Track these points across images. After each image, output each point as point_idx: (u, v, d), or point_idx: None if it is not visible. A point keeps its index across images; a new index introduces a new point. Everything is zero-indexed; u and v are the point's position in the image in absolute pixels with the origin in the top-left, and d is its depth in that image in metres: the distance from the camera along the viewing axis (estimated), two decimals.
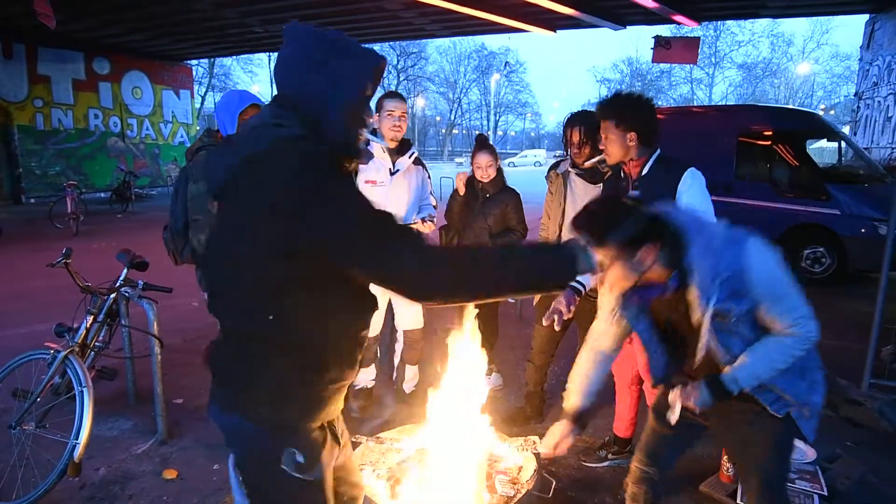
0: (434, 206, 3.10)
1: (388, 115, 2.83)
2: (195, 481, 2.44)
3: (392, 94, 2.89)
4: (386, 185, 2.85)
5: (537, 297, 2.86)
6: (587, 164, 2.67)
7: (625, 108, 2.12)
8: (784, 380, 1.47)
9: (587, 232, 1.34)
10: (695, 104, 29.81)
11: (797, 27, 45.47)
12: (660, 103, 39.16)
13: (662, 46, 10.20)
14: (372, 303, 1.22)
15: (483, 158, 3.23)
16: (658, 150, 2.23)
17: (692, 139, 6.32)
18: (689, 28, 10.44)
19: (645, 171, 2.21)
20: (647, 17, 9.65)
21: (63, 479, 2.17)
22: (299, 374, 1.11)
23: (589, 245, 1.20)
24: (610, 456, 2.67)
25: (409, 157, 2.95)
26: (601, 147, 2.21)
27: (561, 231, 2.76)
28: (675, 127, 6.93)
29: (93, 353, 2.66)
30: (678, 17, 9.45)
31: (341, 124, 1.13)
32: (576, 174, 2.74)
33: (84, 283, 2.60)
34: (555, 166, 2.93)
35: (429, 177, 3.19)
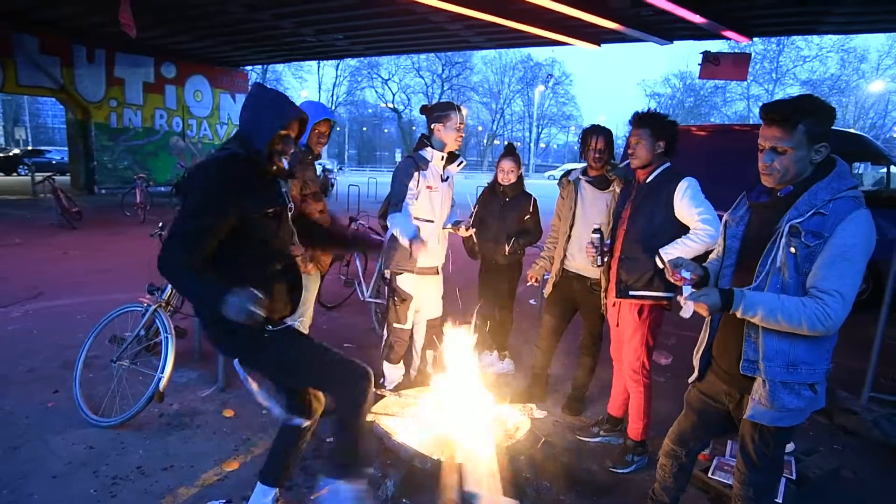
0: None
1: (457, 127, 2.90)
2: (248, 420, 2.95)
3: (458, 108, 2.95)
4: (439, 191, 2.98)
5: (548, 289, 3.13)
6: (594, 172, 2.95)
7: (660, 120, 2.51)
8: (776, 348, 1.57)
9: (794, 110, 1.49)
10: (750, 122, 28.68)
11: (872, 41, 40.81)
12: (713, 120, 36.74)
13: (710, 62, 9.80)
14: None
15: (507, 164, 3.58)
16: (668, 164, 2.55)
17: (729, 158, 6.15)
18: (746, 43, 10.08)
19: (650, 179, 2.52)
20: (695, 33, 9.31)
21: (150, 404, 2.73)
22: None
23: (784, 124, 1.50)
24: (602, 433, 2.92)
25: (458, 165, 3.07)
26: (630, 152, 2.52)
27: (571, 231, 2.98)
28: (713, 145, 6.85)
29: (171, 311, 3.22)
30: (728, 33, 9.10)
31: (264, 150, 1.79)
32: (586, 181, 2.96)
33: None
34: (566, 174, 3.18)
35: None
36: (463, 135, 2.96)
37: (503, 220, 3.61)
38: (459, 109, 2.94)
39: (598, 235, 2.59)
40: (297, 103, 2.99)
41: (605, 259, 2.64)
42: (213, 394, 3.21)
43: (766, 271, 1.57)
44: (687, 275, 1.66)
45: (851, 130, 10.97)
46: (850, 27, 10.28)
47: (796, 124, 1.51)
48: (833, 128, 1.60)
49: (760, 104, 1.63)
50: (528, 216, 3.66)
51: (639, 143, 2.48)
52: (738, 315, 1.56)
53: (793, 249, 1.52)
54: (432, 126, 2.92)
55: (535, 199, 3.71)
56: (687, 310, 1.67)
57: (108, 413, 2.79)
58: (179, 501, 2.24)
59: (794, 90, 33.46)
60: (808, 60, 33.50)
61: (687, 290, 1.64)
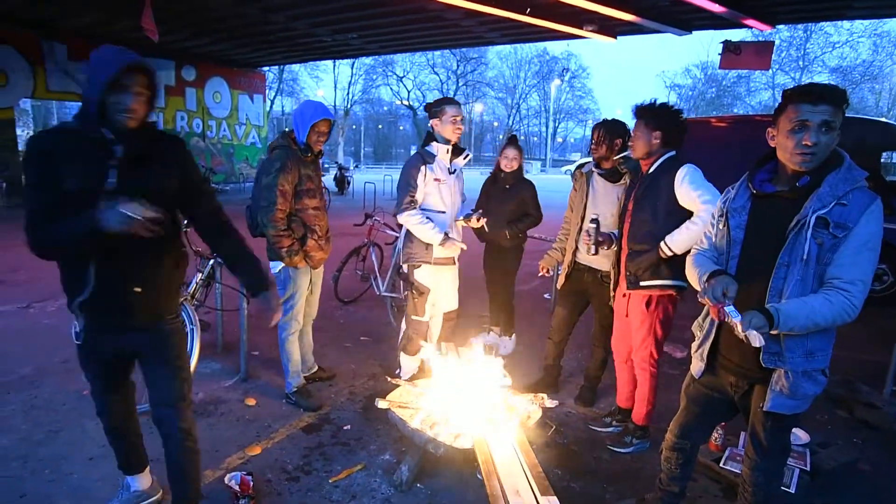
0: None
1: (453, 120, 3.00)
2: (269, 409, 3.08)
3: (453, 101, 3.06)
4: (448, 184, 3.07)
5: (561, 281, 3.20)
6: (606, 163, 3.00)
7: (656, 111, 2.52)
8: (795, 343, 1.60)
9: (838, 95, 1.53)
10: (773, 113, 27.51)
11: None
12: (737, 111, 35.73)
13: (731, 52, 9.47)
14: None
15: (511, 151, 3.83)
16: (672, 153, 2.55)
17: (748, 149, 6.06)
18: (769, 31, 9.73)
19: (652, 169, 2.54)
20: (715, 22, 9.04)
21: None
22: None
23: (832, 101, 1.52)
24: (614, 423, 2.98)
25: (465, 158, 3.16)
26: (630, 144, 2.59)
27: (582, 222, 3.01)
28: (731, 137, 6.82)
29: (196, 304, 3.36)
30: (749, 22, 8.69)
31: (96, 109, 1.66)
32: (598, 174, 3.02)
33: (196, 248, 3.30)
34: (580, 167, 3.26)
35: None
36: (461, 127, 3.05)
37: (505, 206, 3.83)
38: (454, 103, 3.04)
39: (595, 225, 2.70)
40: (312, 110, 2.99)
41: (606, 248, 2.74)
42: (236, 384, 3.35)
43: (788, 263, 1.57)
44: (729, 305, 1.59)
45: (883, 119, 10.52)
46: (883, 10, 9.75)
47: (842, 104, 1.55)
48: (863, 116, 1.59)
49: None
50: (529, 201, 3.87)
51: (635, 136, 2.55)
52: (774, 332, 1.56)
53: (818, 241, 1.54)
54: (432, 122, 3.06)
55: (533, 185, 3.93)
56: (755, 339, 1.58)
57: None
58: (205, 482, 2.37)
59: (823, 78, 31.93)
60: (837, 46, 31.78)
61: (731, 309, 1.58)
